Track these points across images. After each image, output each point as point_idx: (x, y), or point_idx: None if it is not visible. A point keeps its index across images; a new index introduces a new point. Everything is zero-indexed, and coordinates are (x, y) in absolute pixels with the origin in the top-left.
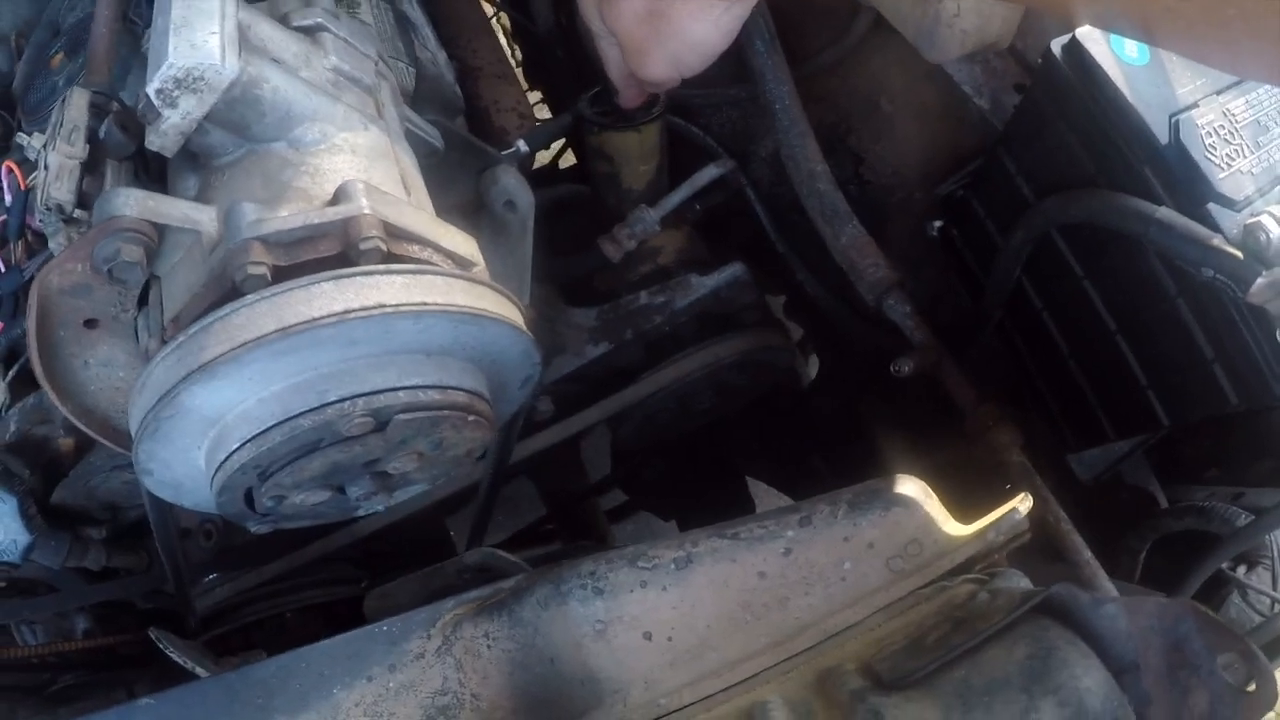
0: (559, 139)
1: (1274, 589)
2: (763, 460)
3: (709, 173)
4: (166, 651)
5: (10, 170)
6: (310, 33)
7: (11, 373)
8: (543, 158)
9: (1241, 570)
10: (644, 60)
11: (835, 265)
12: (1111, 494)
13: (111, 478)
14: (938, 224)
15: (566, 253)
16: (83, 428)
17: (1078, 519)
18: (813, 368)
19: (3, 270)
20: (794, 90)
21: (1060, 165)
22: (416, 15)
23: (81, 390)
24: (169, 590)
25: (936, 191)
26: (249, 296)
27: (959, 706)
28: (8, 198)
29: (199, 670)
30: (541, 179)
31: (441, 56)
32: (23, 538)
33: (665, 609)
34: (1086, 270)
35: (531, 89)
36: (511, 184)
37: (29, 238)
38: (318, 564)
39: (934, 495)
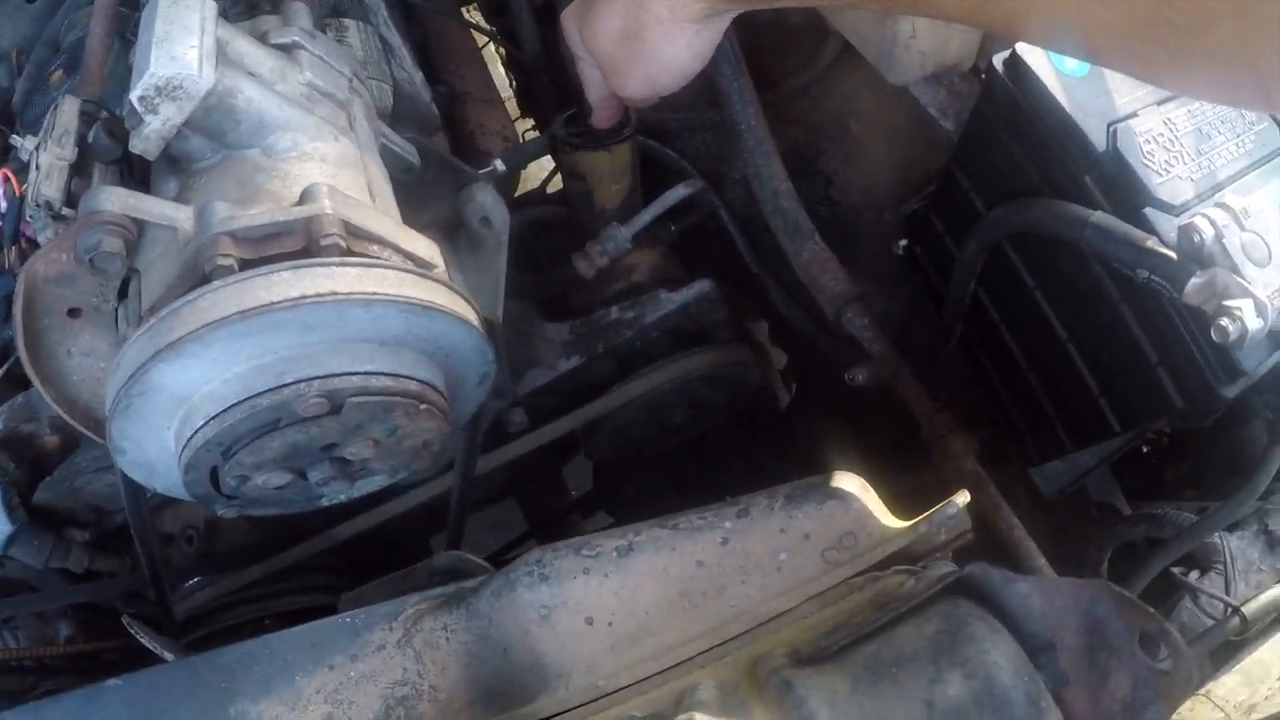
0: (536, 159)
1: (1226, 594)
2: (744, 480)
3: (678, 192)
4: (136, 636)
5: (6, 178)
6: (287, 50)
7: (0, 373)
8: (533, 181)
9: (1194, 575)
10: (622, 80)
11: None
12: (1078, 510)
13: (96, 479)
14: (903, 242)
15: (546, 270)
16: (65, 416)
17: (1045, 535)
18: None
19: None
20: (760, 111)
21: (1008, 177)
22: (393, 37)
23: (64, 379)
24: (150, 595)
25: (900, 210)
26: (215, 283)
27: (867, 678)
28: (2, 204)
29: (166, 655)
30: (528, 202)
31: (418, 76)
32: (4, 527)
33: (607, 595)
34: (1037, 281)
35: (525, 116)
36: (488, 201)
37: (23, 244)
38: (298, 570)
39: (871, 490)
